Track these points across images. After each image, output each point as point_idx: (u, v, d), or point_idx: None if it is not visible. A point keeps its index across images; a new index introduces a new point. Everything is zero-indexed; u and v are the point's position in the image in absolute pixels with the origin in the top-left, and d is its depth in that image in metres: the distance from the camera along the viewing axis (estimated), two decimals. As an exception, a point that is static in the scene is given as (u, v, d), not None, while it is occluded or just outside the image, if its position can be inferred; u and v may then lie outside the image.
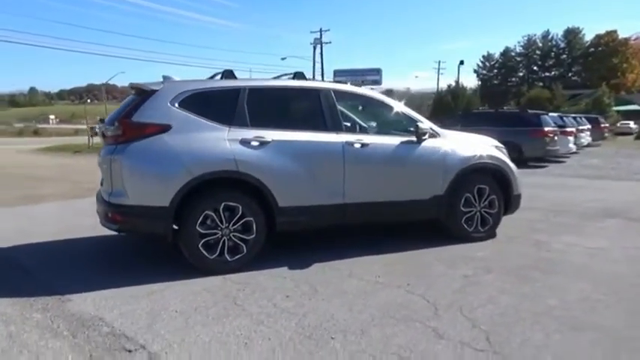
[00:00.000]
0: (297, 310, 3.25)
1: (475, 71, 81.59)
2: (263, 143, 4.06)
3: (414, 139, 4.64)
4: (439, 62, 57.17)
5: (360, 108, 5.07)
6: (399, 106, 4.87)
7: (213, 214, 3.90)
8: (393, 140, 4.60)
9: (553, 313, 3.18)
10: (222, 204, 3.92)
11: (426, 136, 4.69)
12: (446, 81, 58.55)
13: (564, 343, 2.75)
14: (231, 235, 3.98)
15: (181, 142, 3.85)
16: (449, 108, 39.66)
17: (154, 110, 3.88)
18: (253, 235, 4.05)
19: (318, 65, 51.53)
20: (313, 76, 52.03)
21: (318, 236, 5.03)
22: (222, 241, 3.95)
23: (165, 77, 4.31)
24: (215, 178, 3.90)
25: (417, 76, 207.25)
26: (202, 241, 3.88)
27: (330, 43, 51.85)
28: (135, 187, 3.80)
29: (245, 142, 4.00)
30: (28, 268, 4.21)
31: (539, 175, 11.57)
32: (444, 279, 3.87)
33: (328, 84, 4.63)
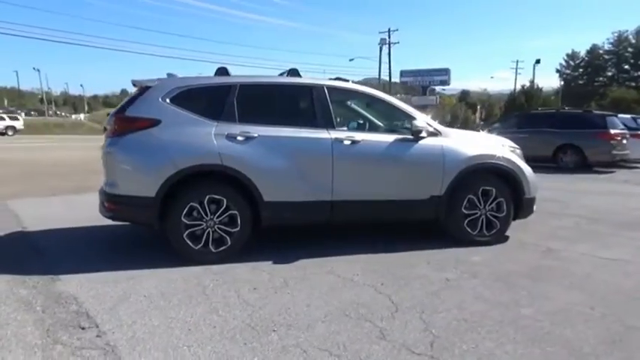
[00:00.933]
0: (257, 302, 3.29)
1: (558, 71, 76.85)
2: (249, 138, 4.15)
3: (410, 137, 4.51)
4: (517, 62, 54.56)
5: (355, 105, 4.99)
6: (397, 104, 4.75)
7: (198, 206, 4.04)
8: (388, 138, 4.51)
9: (520, 322, 2.98)
10: (207, 197, 4.05)
11: (424, 134, 4.54)
12: (524, 81, 55.08)
13: (511, 355, 2.57)
14: (215, 227, 4.10)
15: (169, 136, 4.02)
16: (521, 110, 37.65)
17: (145, 106, 4.10)
18: (238, 228, 4.14)
19: (385, 66, 50.89)
20: (379, 77, 51.90)
21: (315, 232, 5.05)
22: (206, 232, 4.08)
23: (169, 74, 4.54)
24: (199, 171, 4.04)
25: (492, 77, 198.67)
26: (187, 232, 4.03)
27: (398, 43, 51.22)
28: (124, 178, 4.03)
29: (231, 137, 4.10)
30: (41, 250, 4.58)
31: (598, 182, 10.82)
32: (423, 281, 3.73)
33: (322, 81, 4.61)
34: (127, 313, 3.10)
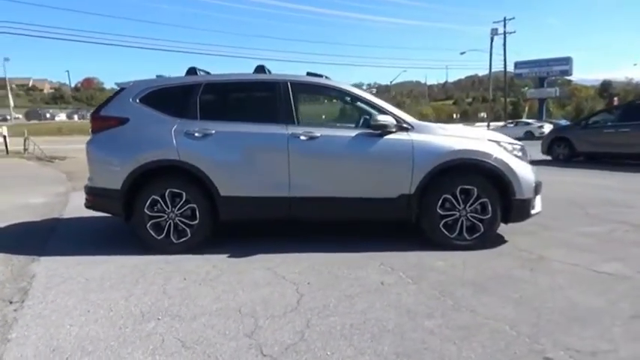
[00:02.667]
0: (173, 292, 3.42)
1: None
2: (206, 135, 4.29)
3: (378, 131, 4.29)
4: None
5: (320, 99, 4.85)
6: (366, 98, 4.51)
7: (159, 199, 4.30)
8: (351, 133, 4.33)
9: (407, 334, 2.72)
10: (168, 190, 4.29)
11: (392, 129, 4.28)
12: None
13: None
14: (176, 219, 4.32)
15: (134, 134, 4.34)
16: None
17: (117, 106, 4.46)
18: (197, 221, 4.32)
19: (497, 57, 47.02)
20: (490, 70, 48.69)
21: (293, 228, 5.05)
22: (168, 224, 4.32)
23: (158, 76, 4.88)
24: (160, 166, 4.29)
25: (635, 64, 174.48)
26: (150, 223, 4.31)
27: (514, 32, 47.48)
28: (96, 172, 4.44)
29: (189, 134, 4.29)
30: (52, 235, 5.21)
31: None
32: (354, 283, 3.55)
33: (287, 76, 4.56)
34: (59, 292, 3.43)
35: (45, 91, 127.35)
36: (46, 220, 5.96)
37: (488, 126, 42.80)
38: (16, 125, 46.16)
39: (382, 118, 4.20)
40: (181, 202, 4.31)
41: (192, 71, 4.61)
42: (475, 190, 4.30)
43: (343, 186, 4.32)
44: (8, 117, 64.24)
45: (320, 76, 4.66)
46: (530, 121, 36.08)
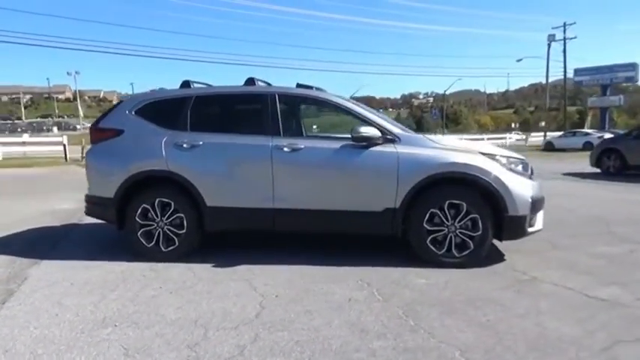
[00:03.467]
0: (143, 299, 3.50)
1: None
2: (194, 146, 4.39)
3: (362, 143, 4.21)
4: None
5: (307, 111, 4.81)
6: (354, 110, 4.42)
7: (150, 207, 4.43)
8: (335, 145, 4.27)
9: (346, 356, 2.62)
10: (157, 199, 4.42)
11: (378, 141, 4.18)
12: None
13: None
14: (165, 228, 4.44)
15: (128, 144, 4.51)
16: None
17: (114, 117, 4.66)
18: (184, 230, 4.41)
19: (553, 64, 44.55)
20: (546, 78, 46.46)
21: (288, 239, 5.03)
22: (157, 232, 4.45)
23: (160, 89, 5.06)
24: (150, 176, 4.43)
25: None
26: (141, 231, 4.46)
27: (574, 38, 45.18)
28: (93, 180, 4.65)
29: (178, 145, 4.40)
30: (63, 239, 5.50)
31: None
32: (320, 298, 3.49)
33: (274, 89, 4.57)
34: (41, 295, 3.61)
35: (114, 102, 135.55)
36: (64, 225, 6.29)
37: (544, 136, 40.81)
38: (82, 134, 49.32)
39: (364, 130, 4.12)
40: (170, 212, 4.42)
41: (186, 84, 4.74)
42: (464, 205, 4.11)
43: (327, 198, 4.26)
44: (78, 126, 68.74)
45: (310, 87, 4.64)
46: (589, 131, 34.08)
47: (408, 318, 3.11)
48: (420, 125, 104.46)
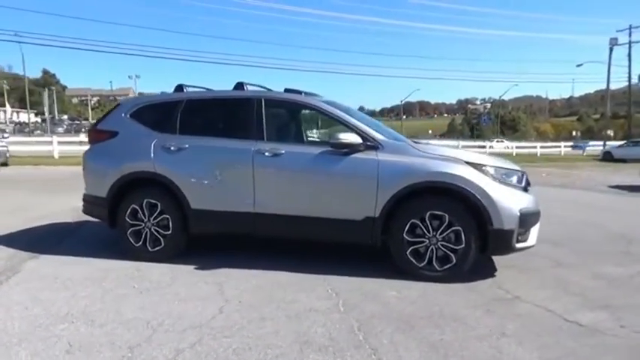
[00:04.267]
0: (106, 297, 3.59)
1: None
2: (181, 149, 4.47)
3: (343, 150, 4.12)
4: None
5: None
6: (337, 115, 4.31)
7: (138, 208, 4.55)
8: (316, 150, 4.20)
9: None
10: (145, 200, 4.53)
11: (359, 147, 4.08)
12: None
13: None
14: (152, 228, 4.54)
15: (121, 146, 4.65)
16: None
17: (111, 120, 4.83)
18: (170, 232, 4.50)
19: (613, 69, 41.37)
20: (607, 82, 43.68)
21: (279, 244, 5.01)
22: (144, 232, 4.56)
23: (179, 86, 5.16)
24: (138, 177, 4.54)
25: None
26: (130, 230, 4.58)
27: (640, 42, 42.32)
28: (88, 180, 4.83)
29: (165, 148, 4.49)
30: (67, 235, 5.70)
31: None
32: (281, 306, 3.44)
33: (260, 93, 4.57)
34: (22, 288, 3.79)
35: None
36: (77, 222, 6.58)
37: (604, 145, 38.42)
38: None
39: (343, 137, 4.03)
40: (157, 213, 4.51)
41: (179, 88, 4.84)
42: (447, 216, 3.92)
43: (306, 205, 4.21)
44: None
45: (299, 92, 4.60)
46: (654, 140, 31.79)
47: (360, 332, 3.00)
48: (472, 131, 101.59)
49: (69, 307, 3.40)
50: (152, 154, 4.50)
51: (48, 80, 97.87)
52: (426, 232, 3.98)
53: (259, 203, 4.28)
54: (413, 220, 3.98)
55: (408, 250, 4.01)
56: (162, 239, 4.52)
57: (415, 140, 5.20)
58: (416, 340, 2.88)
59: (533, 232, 4.13)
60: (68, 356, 2.68)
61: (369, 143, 4.11)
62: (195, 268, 4.35)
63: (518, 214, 3.89)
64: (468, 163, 3.98)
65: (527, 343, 2.85)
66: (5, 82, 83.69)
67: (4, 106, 75.32)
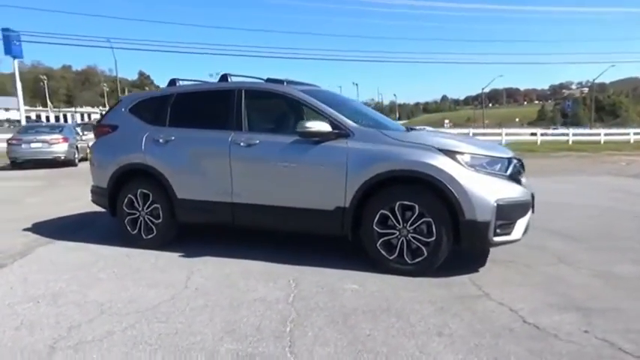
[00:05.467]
0: (85, 280, 3.83)
1: None
2: (168, 141, 4.63)
3: (314, 139, 4.03)
4: None
5: (271, 107, 4.66)
6: (312, 104, 4.19)
7: (133, 197, 4.80)
8: (288, 140, 4.14)
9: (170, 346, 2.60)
10: (139, 190, 4.77)
11: (330, 136, 3.97)
12: None
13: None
14: (146, 217, 4.77)
15: (119, 139, 4.92)
16: None
17: (113, 115, 5.13)
18: (160, 220, 4.70)
19: None
20: None
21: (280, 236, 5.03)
22: (139, 221, 4.80)
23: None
24: (133, 168, 4.78)
25: None
26: (127, 219, 4.85)
27: None
28: (93, 171, 5.17)
29: (155, 140, 4.68)
30: (87, 224, 6.09)
31: None
32: (234, 295, 3.47)
33: (242, 84, 4.57)
34: (20, 270, 4.15)
35: None
36: (101, 213, 7.08)
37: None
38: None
39: (310, 125, 3.94)
40: (149, 202, 4.73)
41: (172, 82, 5.01)
42: (416, 207, 3.70)
43: (279, 194, 4.18)
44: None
45: (281, 82, 4.56)
46: None
47: (290, 324, 2.94)
48: (565, 118, 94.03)
49: (46, 289, 3.67)
50: (143, 147, 4.71)
51: (144, 81, 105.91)
52: (396, 223, 3.79)
53: (236, 193, 4.33)
54: (382, 211, 3.81)
55: (379, 242, 3.84)
56: (154, 227, 4.73)
57: (410, 127, 4.98)
58: (341, 335, 2.77)
59: (520, 225, 3.77)
60: (14, 332, 2.90)
61: (339, 131, 3.98)
62: (180, 256, 4.50)
63: (495, 204, 3.57)
64: (440, 150, 3.72)
65: (459, 345, 2.63)
66: (105, 84, 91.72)
67: (105, 106, 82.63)
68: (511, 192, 3.72)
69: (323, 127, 3.95)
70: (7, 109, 73.77)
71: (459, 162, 3.66)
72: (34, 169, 14.58)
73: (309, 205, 4.08)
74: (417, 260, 3.75)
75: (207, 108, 4.71)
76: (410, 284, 3.62)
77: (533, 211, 4.08)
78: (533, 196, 4.07)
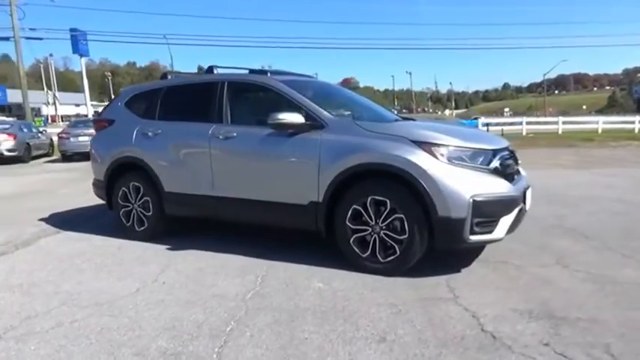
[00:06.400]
0: (66, 270, 3.95)
1: None
2: (156, 134, 4.66)
3: (289, 131, 3.90)
4: None
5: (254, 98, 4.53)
6: (290, 95, 4.01)
7: (127, 190, 4.89)
8: (263, 132, 4.02)
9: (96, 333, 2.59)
10: (131, 183, 4.84)
11: (304, 127, 3.82)
12: None
13: None
14: (138, 209, 4.85)
15: (115, 133, 5.02)
16: None
17: (111, 109, 5.23)
18: (150, 213, 4.76)
19: None
20: None
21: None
22: (132, 213, 4.89)
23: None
24: (125, 162, 4.86)
25: None
26: (122, 211, 4.95)
27: None
28: (93, 165, 5.30)
29: (144, 134, 4.73)
30: (99, 217, 6.25)
31: None
32: (194, 290, 3.44)
33: (225, 76, 4.48)
34: (14, 259, 4.36)
35: None
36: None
37: None
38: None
39: (281, 116, 3.79)
40: (140, 195, 4.80)
41: (164, 76, 5.03)
42: (388, 202, 3.49)
43: (255, 188, 4.09)
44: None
45: (265, 72, 4.45)
46: None
47: (233, 323, 2.86)
48: (639, 104, 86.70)
49: (27, 278, 3.81)
50: (134, 140, 4.77)
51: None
52: (369, 219, 3.59)
53: (217, 186, 4.29)
54: (355, 206, 3.62)
55: (352, 239, 3.67)
56: (145, 220, 4.80)
57: (405, 117, 4.72)
58: (278, 337, 2.65)
59: (504, 223, 3.45)
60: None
61: (313, 122, 3.82)
62: (167, 249, 4.52)
63: (470, 200, 3.28)
64: (414, 142, 3.46)
65: (396, 354, 2.43)
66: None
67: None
68: (493, 187, 3.41)
69: (295, 118, 3.80)
70: (77, 105, 78.61)
71: (433, 154, 3.40)
72: (81, 161, 15.41)
73: (284, 199, 3.96)
74: (390, 259, 3.54)
75: (193, 101, 4.69)
76: (379, 284, 3.42)
77: (524, 209, 3.74)
78: (525, 192, 3.73)
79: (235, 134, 4.17)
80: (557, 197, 6.57)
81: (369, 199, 3.55)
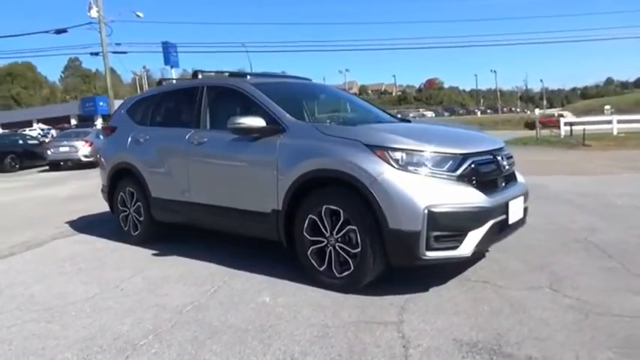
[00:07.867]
0: (48, 272, 4.11)
1: None
2: (145, 140, 4.71)
3: (253, 135, 3.73)
4: None
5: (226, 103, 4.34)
6: (259, 99, 3.81)
7: (124, 195, 5.01)
8: (230, 137, 3.87)
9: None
10: (127, 188, 4.96)
11: (266, 131, 3.63)
12: None
13: None
14: (133, 214, 4.95)
15: (115, 140, 5.16)
16: None
17: (115, 117, 5.40)
18: (142, 218, 4.83)
19: None
20: None
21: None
22: (129, 218, 5.00)
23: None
24: (120, 167, 4.97)
25: None
26: (121, 215, 5.09)
27: None
28: (100, 171, 5.49)
29: (135, 139, 4.81)
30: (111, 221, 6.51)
31: None
32: (146, 298, 3.38)
33: (204, 80, 4.39)
34: (17, 260, 4.63)
35: (393, 93, 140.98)
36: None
37: None
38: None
39: (241, 120, 3.62)
40: (134, 200, 4.89)
41: (159, 82, 5.09)
42: (342, 212, 3.20)
43: (223, 194, 3.99)
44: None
45: (244, 75, 4.32)
46: None
47: (150, 337, 2.75)
48: None
49: (11, 279, 4.00)
50: (128, 146, 4.87)
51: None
52: (324, 230, 3.31)
53: (192, 192, 4.24)
54: (311, 216, 3.36)
55: (309, 250, 3.41)
56: (139, 224, 4.88)
57: (406, 118, 4.38)
58: (182, 354, 2.50)
59: (472, 239, 3.01)
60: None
61: (274, 126, 3.62)
62: (153, 254, 4.54)
63: (425, 211, 2.89)
64: (367, 145, 3.14)
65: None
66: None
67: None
68: (458, 196, 2.99)
69: (255, 122, 3.61)
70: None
71: (386, 160, 3.05)
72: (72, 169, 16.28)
73: (248, 206, 3.80)
74: (344, 274, 3.24)
75: (177, 106, 4.71)
76: (327, 301, 3.13)
77: (508, 221, 3.26)
78: (509, 202, 3.25)
79: (206, 139, 4.09)
80: (601, 207, 5.72)
81: (323, 208, 3.28)
